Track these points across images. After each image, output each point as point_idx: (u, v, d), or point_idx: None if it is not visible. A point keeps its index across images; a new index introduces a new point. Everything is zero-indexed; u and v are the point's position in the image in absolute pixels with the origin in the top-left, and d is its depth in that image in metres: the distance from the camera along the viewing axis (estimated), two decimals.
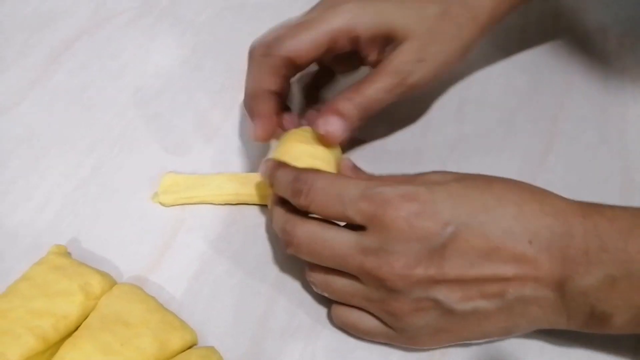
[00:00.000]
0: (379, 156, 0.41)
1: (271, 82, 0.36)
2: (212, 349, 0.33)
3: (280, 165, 0.33)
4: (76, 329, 0.32)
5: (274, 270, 0.36)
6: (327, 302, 0.35)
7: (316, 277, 0.33)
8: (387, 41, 0.36)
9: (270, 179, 0.33)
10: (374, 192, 0.29)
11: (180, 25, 0.49)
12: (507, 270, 0.29)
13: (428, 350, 0.33)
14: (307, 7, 0.38)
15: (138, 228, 0.38)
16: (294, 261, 0.36)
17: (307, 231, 0.31)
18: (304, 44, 0.35)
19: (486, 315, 0.30)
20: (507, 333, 0.31)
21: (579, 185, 0.39)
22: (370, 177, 0.35)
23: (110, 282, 0.34)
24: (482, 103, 0.44)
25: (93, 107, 0.44)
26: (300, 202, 0.31)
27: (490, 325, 0.30)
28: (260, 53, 0.36)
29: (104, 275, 0.34)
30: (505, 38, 0.48)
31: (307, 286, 0.35)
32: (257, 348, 0.34)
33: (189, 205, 0.39)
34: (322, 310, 0.35)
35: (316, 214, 0.31)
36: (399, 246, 0.29)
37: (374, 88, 0.36)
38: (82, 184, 0.40)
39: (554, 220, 0.29)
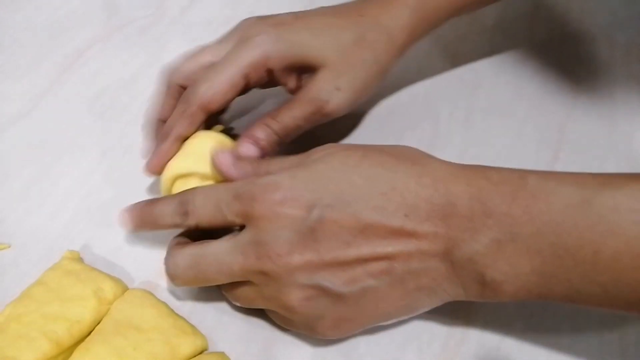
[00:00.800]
0: None
1: (183, 127, 0.36)
2: (222, 355, 0.33)
3: (158, 200, 0.34)
4: (89, 333, 0.33)
5: None
6: None
7: (226, 294, 0.34)
8: (304, 69, 0.38)
9: (156, 217, 0.34)
10: (243, 190, 0.31)
11: (191, 33, 0.49)
12: (387, 246, 0.29)
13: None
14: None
15: (149, 234, 0.38)
16: None
17: (187, 255, 0.32)
18: (219, 89, 0.36)
19: (380, 295, 0.30)
20: (410, 311, 0.32)
21: None
22: (256, 163, 0.35)
23: (122, 288, 0.35)
24: (489, 112, 0.45)
25: (105, 114, 0.44)
26: (189, 222, 0.32)
27: (388, 305, 0.31)
28: (173, 91, 0.38)
29: (116, 280, 0.35)
30: (512, 47, 0.48)
31: None
32: (267, 353, 0.34)
33: None
34: None
35: (206, 229, 0.32)
36: (270, 236, 0.30)
37: (291, 116, 0.36)
38: (94, 190, 0.40)
39: (433, 192, 0.29)
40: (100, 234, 0.38)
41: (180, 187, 0.35)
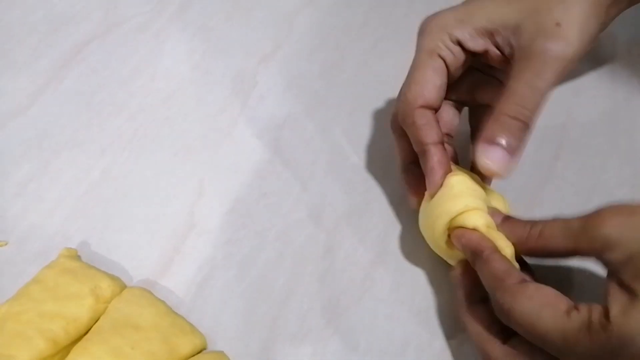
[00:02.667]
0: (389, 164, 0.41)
1: (428, 137, 0.34)
2: (221, 354, 0.33)
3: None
4: (86, 332, 0.32)
5: (283, 275, 0.36)
6: (335, 308, 0.35)
7: None
8: (498, 33, 0.33)
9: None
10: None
11: (189, 29, 0.49)
12: None
13: None
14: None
15: (148, 232, 0.38)
16: (302, 267, 0.37)
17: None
18: (419, 80, 0.34)
19: None
20: None
21: (589, 192, 0.39)
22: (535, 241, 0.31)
23: (120, 286, 0.34)
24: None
25: (103, 111, 0.44)
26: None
27: None
28: (401, 133, 0.36)
29: (114, 278, 0.34)
30: None
31: (316, 291, 0.36)
32: (266, 353, 0.34)
33: (198, 210, 0.39)
34: (332, 315, 0.35)
35: None
36: None
37: (535, 87, 0.31)
38: (92, 187, 0.40)
39: None
40: (98, 232, 0.38)
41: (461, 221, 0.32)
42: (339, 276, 0.36)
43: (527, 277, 0.29)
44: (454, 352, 0.34)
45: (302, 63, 0.46)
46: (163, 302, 0.34)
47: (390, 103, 0.44)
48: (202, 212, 0.39)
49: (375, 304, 0.35)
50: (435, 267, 0.36)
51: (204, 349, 0.33)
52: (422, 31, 0.35)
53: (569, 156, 0.42)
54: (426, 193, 0.34)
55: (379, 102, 0.44)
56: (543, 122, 0.43)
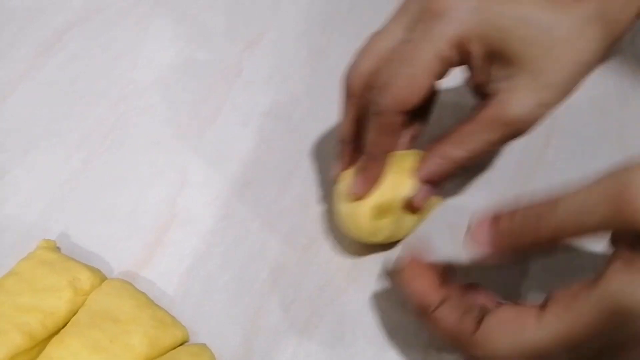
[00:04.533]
0: None
1: (384, 144, 0.31)
2: (203, 346, 0.32)
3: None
4: (64, 325, 0.31)
5: (267, 267, 0.36)
6: (320, 299, 0.34)
7: None
8: (498, 58, 0.29)
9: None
10: None
11: (172, 16, 0.48)
12: None
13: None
14: None
15: (129, 223, 0.37)
16: (287, 257, 0.36)
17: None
18: (414, 81, 0.29)
19: None
20: None
21: (580, 180, 0.39)
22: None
23: (100, 278, 0.33)
24: None
25: (83, 100, 0.43)
26: None
27: None
28: (355, 101, 0.32)
29: (93, 270, 0.33)
30: None
31: (300, 282, 0.35)
32: (249, 345, 0.33)
33: (181, 200, 0.38)
34: (316, 307, 0.34)
35: None
36: None
37: (480, 140, 0.30)
38: (71, 177, 0.39)
39: None
40: (78, 223, 0.37)
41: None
42: (325, 267, 0.36)
43: (474, 300, 0.28)
44: (441, 342, 0.33)
45: (287, 49, 0.46)
46: (144, 294, 0.33)
47: None
48: (185, 202, 0.38)
49: (361, 295, 0.35)
50: None
51: (186, 341, 0.32)
52: (440, 11, 0.29)
53: (559, 144, 0.41)
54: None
55: None
56: None
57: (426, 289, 0.29)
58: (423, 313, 0.29)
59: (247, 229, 0.37)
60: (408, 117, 0.31)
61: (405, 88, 0.29)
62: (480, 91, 0.31)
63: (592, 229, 0.24)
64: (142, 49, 0.46)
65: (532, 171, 0.39)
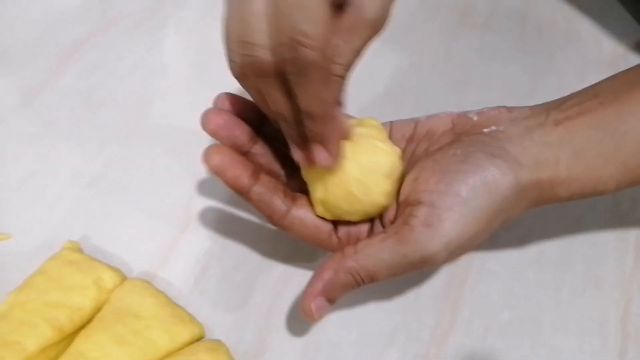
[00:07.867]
0: None
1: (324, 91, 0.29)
2: (219, 342, 0.34)
3: None
4: (89, 321, 0.33)
5: (279, 266, 0.38)
6: None
7: None
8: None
9: None
10: None
11: (185, 27, 0.50)
12: None
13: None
14: None
15: (146, 225, 0.39)
16: (299, 257, 0.38)
17: None
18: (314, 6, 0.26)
19: None
20: None
21: None
22: None
23: (121, 277, 0.35)
24: (479, 107, 0.46)
25: (102, 108, 0.45)
26: None
27: None
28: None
29: (115, 270, 0.35)
30: (502, 45, 0.49)
31: None
32: (262, 341, 0.35)
33: (196, 203, 0.40)
34: None
35: None
36: None
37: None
38: (92, 182, 0.41)
39: None
40: (99, 225, 0.39)
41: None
42: None
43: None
44: (442, 341, 0.35)
45: None
46: (163, 292, 0.35)
47: (370, 85, 0.45)
48: (200, 204, 0.40)
49: (366, 295, 0.36)
50: None
51: (202, 337, 0.34)
52: None
53: None
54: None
55: (371, 89, 0.45)
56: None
57: (238, 175, 0.32)
58: (240, 195, 0.32)
59: (260, 232, 0.39)
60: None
61: (309, 19, 0.26)
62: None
63: None
64: (156, 59, 0.48)
65: None
